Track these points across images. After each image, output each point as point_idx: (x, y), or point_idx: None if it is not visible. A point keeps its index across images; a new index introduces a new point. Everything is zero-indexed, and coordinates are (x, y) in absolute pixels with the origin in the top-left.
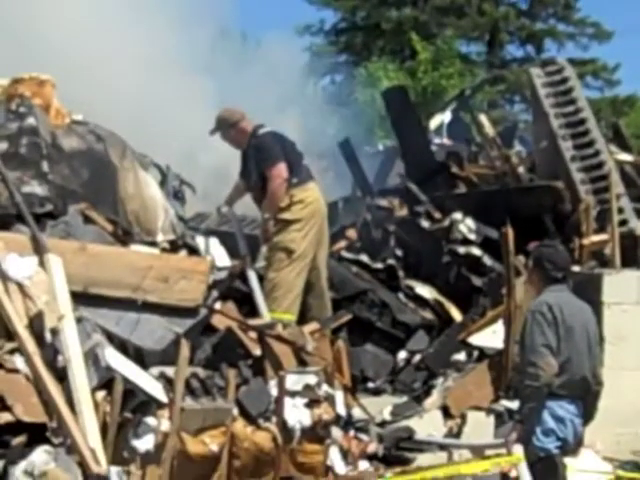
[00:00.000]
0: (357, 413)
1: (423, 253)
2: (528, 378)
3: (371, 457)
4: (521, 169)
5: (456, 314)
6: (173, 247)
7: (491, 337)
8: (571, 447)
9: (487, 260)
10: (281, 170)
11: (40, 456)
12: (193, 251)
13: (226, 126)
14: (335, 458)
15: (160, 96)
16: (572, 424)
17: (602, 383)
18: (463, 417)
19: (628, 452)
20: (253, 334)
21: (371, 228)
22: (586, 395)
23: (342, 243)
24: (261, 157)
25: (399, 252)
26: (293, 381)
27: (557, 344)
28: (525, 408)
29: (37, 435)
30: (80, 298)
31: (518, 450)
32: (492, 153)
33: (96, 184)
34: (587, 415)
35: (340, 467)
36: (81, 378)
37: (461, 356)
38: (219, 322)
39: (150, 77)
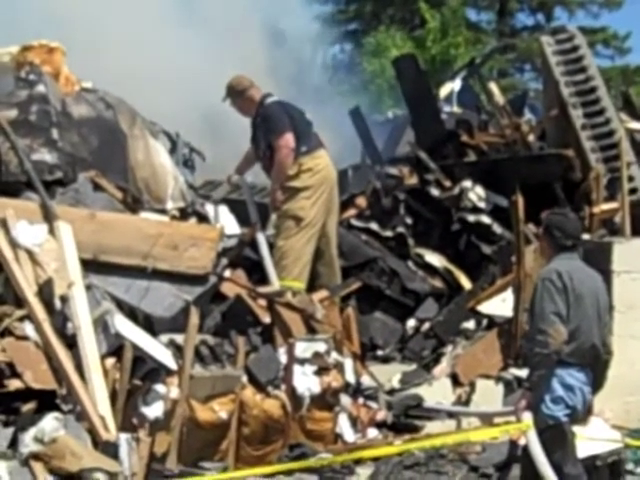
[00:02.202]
0: (366, 381)
1: (433, 221)
2: (537, 345)
3: (380, 425)
4: (531, 137)
5: (465, 282)
6: (183, 215)
7: (500, 305)
8: (580, 415)
9: (497, 228)
10: (288, 140)
11: (50, 423)
12: (203, 219)
13: (234, 94)
14: (344, 426)
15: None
16: (581, 392)
17: (611, 352)
18: (472, 385)
19: (637, 420)
20: (262, 302)
21: (381, 196)
22: (595, 363)
23: (352, 211)
24: (268, 127)
25: (409, 220)
26: (302, 349)
27: (567, 312)
28: (534, 376)
29: (47, 402)
30: (90, 265)
31: (527, 418)
32: (502, 121)
33: (106, 151)
34: (596, 383)
35: (349, 434)
36: (91, 345)
37: (470, 324)
38: (229, 290)
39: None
